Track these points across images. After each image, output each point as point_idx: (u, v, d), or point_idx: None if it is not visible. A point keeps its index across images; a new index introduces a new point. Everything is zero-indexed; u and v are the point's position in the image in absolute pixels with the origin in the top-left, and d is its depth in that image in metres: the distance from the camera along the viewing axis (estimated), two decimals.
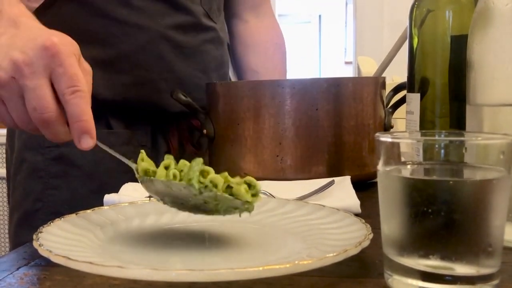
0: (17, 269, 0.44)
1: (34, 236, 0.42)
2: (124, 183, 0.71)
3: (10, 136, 0.95)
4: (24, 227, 0.87)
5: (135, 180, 0.74)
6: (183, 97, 0.80)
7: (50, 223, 0.47)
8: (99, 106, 0.89)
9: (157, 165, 1.00)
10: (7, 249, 2.34)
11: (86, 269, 0.36)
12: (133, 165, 0.50)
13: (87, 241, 0.46)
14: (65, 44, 0.52)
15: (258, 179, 0.73)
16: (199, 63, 0.94)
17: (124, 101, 0.89)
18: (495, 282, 0.36)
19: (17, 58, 0.50)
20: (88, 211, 0.52)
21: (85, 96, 0.50)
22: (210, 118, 0.80)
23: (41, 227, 0.45)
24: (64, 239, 0.44)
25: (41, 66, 0.50)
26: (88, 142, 0.51)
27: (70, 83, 0.50)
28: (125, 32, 0.87)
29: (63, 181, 0.87)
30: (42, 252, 0.39)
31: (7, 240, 2.33)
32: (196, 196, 0.45)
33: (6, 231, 2.32)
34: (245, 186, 0.45)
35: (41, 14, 0.87)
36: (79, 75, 0.51)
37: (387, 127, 0.82)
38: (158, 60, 0.89)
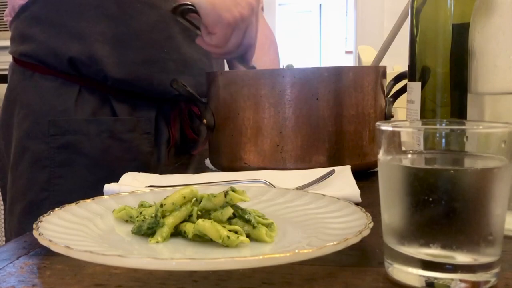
0: (17, 258, 0.44)
1: (34, 226, 0.42)
2: (131, 171, 0.71)
3: (4, 126, 0.94)
4: (29, 218, 0.86)
5: (141, 169, 0.74)
6: (183, 86, 0.80)
7: (50, 213, 0.47)
8: (105, 92, 0.89)
9: (158, 154, 0.99)
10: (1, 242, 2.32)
11: (86, 258, 0.36)
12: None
13: (87, 230, 0.46)
14: None
15: (258, 168, 0.73)
16: (203, 48, 0.94)
17: (132, 80, 0.89)
18: (496, 270, 0.36)
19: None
20: (88, 200, 0.52)
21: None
22: (210, 107, 0.79)
23: (41, 217, 0.45)
24: (64, 229, 0.44)
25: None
26: None
27: None
28: (136, 9, 0.87)
29: (69, 170, 0.87)
30: (42, 241, 0.39)
31: None
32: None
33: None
34: (265, 229, 0.44)
35: None
36: None
37: (387, 117, 0.81)
38: (167, 40, 0.90)
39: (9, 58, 0.96)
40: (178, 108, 0.97)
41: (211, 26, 0.78)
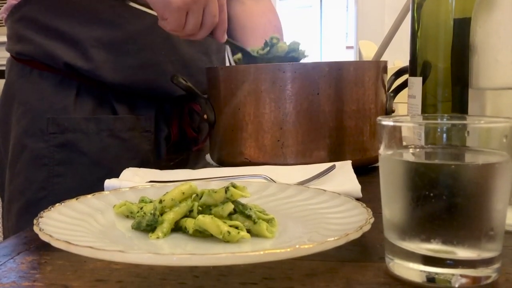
0: (18, 254, 0.44)
1: (35, 221, 0.42)
2: None
3: (2, 122, 0.93)
4: (27, 217, 0.85)
5: (141, 167, 0.74)
6: (183, 82, 0.80)
7: (50, 208, 0.46)
8: (104, 90, 0.89)
9: (158, 151, 0.99)
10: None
11: (87, 254, 0.36)
12: None
13: (88, 225, 0.46)
14: None
15: (259, 164, 0.73)
16: (202, 45, 0.94)
17: (130, 84, 0.88)
18: (496, 266, 0.36)
19: None
20: (89, 196, 0.52)
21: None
22: (211, 103, 0.79)
23: (42, 212, 0.45)
24: (65, 224, 0.44)
25: None
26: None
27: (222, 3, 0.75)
28: (131, 13, 0.86)
29: (69, 168, 0.86)
30: (43, 236, 0.39)
31: None
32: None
33: None
34: (266, 224, 0.44)
35: None
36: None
37: (388, 112, 0.81)
38: (164, 42, 0.89)
39: (6, 53, 0.95)
40: (179, 106, 0.97)
41: (161, 12, 0.73)
